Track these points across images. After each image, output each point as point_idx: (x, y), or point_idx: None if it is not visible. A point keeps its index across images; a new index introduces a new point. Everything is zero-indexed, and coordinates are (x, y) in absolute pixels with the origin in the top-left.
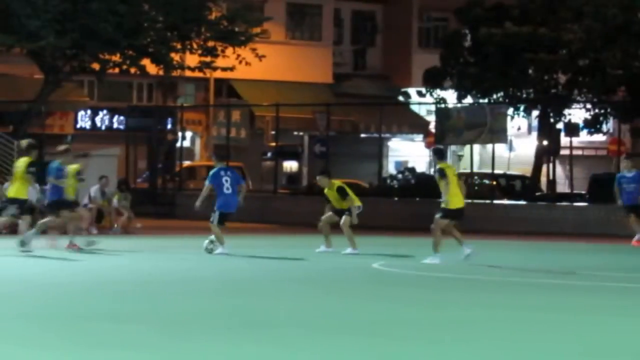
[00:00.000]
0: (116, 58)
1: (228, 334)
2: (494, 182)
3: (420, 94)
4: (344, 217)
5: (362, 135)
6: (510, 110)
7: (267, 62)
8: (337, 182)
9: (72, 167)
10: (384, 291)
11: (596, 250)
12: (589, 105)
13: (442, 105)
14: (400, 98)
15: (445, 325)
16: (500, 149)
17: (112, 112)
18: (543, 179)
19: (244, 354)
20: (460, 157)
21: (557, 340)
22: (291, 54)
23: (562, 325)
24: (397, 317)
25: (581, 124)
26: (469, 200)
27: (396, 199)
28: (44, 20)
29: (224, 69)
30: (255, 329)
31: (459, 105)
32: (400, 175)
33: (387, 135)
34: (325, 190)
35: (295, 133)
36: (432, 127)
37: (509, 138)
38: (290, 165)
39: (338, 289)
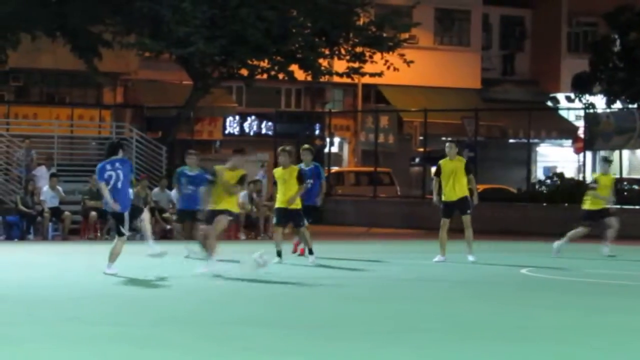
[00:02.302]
0: (264, 64)
1: (382, 339)
2: None
3: (569, 99)
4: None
5: (511, 141)
6: None
7: (415, 67)
8: None
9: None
10: (533, 297)
11: None
12: None
13: (591, 111)
14: (549, 103)
15: (601, 331)
16: None
17: (261, 117)
18: None
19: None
20: (609, 162)
21: None
22: (439, 60)
23: None
24: (546, 322)
25: None
26: (618, 206)
27: (545, 204)
28: (193, 26)
29: (372, 75)
30: (405, 333)
31: (608, 110)
32: (548, 181)
33: (536, 140)
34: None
35: (443, 138)
36: (580, 133)
37: None
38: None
39: (485, 294)
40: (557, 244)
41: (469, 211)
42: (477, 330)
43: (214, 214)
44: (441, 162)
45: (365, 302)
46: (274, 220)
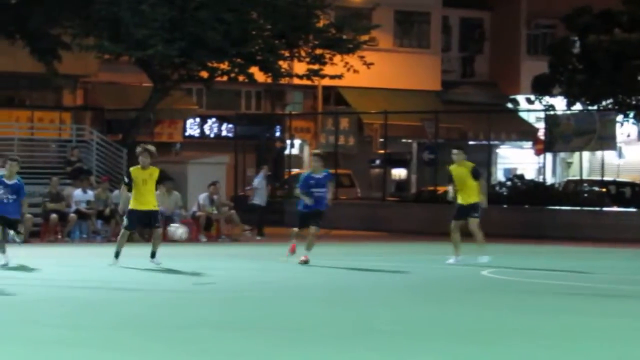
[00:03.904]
0: (224, 66)
1: (337, 342)
2: (604, 190)
3: (528, 101)
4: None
5: (471, 143)
6: (620, 117)
7: (375, 69)
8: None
9: None
10: (493, 299)
11: None
12: None
13: (551, 112)
14: (509, 105)
15: (559, 333)
16: (610, 156)
17: (221, 120)
18: None
19: None
20: (569, 164)
21: None
22: (399, 62)
23: None
24: (505, 325)
25: None
26: (578, 208)
27: (505, 206)
28: (152, 28)
29: (332, 77)
30: (365, 336)
31: (567, 112)
32: (509, 183)
33: (496, 142)
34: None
35: (404, 140)
36: (541, 134)
37: (618, 145)
38: (399, 173)
39: (447, 297)
40: None
41: (475, 214)
42: (438, 333)
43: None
44: (450, 167)
45: (324, 306)
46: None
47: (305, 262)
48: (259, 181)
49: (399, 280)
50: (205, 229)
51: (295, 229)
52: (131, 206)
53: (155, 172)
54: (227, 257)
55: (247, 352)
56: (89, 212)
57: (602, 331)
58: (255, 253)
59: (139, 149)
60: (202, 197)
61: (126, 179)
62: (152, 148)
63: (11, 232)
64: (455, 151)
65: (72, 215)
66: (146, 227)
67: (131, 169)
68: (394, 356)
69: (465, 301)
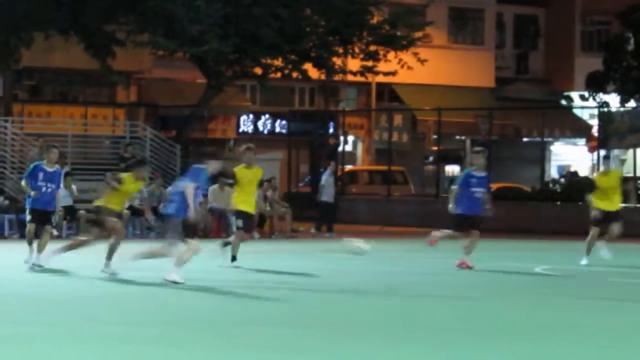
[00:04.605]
0: (278, 62)
1: (388, 337)
2: None
3: (582, 97)
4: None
5: (524, 140)
6: None
7: (429, 66)
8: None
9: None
10: (546, 296)
11: None
12: None
13: (605, 109)
14: (563, 102)
15: (610, 331)
16: None
17: (274, 116)
18: None
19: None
20: (623, 161)
21: None
22: (453, 58)
23: None
24: (560, 322)
25: None
26: (632, 205)
27: (558, 203)
28: (207, 25)
29: (386, 74)
30: (417, 332)
31: (622, 109)
32: (562, 180)
33: (549, 139)
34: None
35: (457, 137)
36: (594, 131)
37: None
38: (452, 170)
39: (500, 293)
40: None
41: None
42: (490, 329)
43: None
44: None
45: (379, 300)
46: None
47: (469, 268)
48: (325, 178)
49: (453, 276)
50: (258, 226)
51: (450, 231)
52: (241, 207)
53: (259, 172)
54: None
55: (303, 349)
56: (142, 208)
57: None
58: (311, 249)
59: (242, 147)
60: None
61: (230, 180)
62: (252, 145)
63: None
64: (478, 150)
65: (126, 211)
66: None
67: (236, 168)
68: (445, 353)
69: (520, 298)
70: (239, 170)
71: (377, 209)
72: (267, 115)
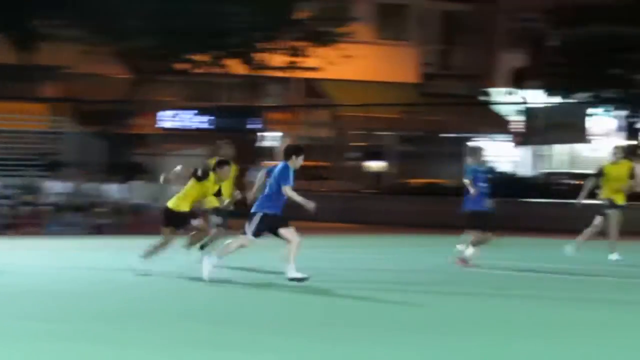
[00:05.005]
0: (203, 58)
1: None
2: (579, 182)
3: (507, 93)
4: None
5: (448, 135)
6: (597, 110)
7: (354, 62)
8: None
9: None
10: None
11: None
12: None
13: (528, 106)
14: (487, 98)
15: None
16: (586, 148)
17: (199, 112)
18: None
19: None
20: (545, 157)
21: None
22: (379, 54)
23: None
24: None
25: None
26: (554, 200)
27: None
28: (133, 20)
29: (311, 69)
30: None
31: (545, 105)
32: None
33: (473, 134)
34: None
35: (381, 133)
36: (518, 127)
37: (595, 137)
38: (377, 165)
39: (414, 285)
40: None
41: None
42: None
43: None
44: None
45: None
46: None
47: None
48: (260, 176)
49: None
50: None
51: (477, 233)
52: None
53: (235, 168)
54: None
55: (225, 344)
56: (66, 204)
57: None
58: None
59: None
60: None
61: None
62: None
63: None
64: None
65: (48, 207)
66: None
67: None
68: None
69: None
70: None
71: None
72: (191, 111)
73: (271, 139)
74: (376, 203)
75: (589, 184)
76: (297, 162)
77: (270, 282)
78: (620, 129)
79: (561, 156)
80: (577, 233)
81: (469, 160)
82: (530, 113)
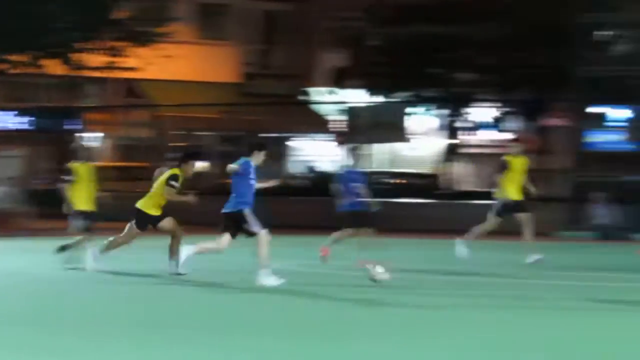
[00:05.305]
0: (20, 58)
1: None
2: (399, 181)
3: (327, 93)
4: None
5: (269, 135)
6: (417, 109)
7: (175, 62)
8: None
9: None
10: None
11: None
12: (492, 104)
13: (349, 105)
14: (307, 97)
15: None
16: (406, 147)
17: (19, 112)
18: (449, 178)
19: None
20: (366, 155)
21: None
22: (200, 54)
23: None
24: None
25: (484, 122)
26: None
27: (301, 198)
28: None
29: (130, 69)
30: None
31: (365, 104)
32: (303, 175)
33: (294, 134)
34: None
35: (202, 133)
36: (340, 126)
37: (415, 137)
38: (198, 165)
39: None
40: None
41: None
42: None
43: None
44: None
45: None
46: None
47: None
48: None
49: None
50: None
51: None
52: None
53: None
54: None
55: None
56: None
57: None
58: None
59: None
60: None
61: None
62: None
63: None
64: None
65: None
66: None
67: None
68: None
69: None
70: (80, 166)
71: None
72: (11, 112)
73: (91, 139)
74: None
75: (496, 179)
76: (259, 157)
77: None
78: (441, 127)
79: (382, 155)
80: (396, 232)
81: (344, 161)
82: (352, 112)
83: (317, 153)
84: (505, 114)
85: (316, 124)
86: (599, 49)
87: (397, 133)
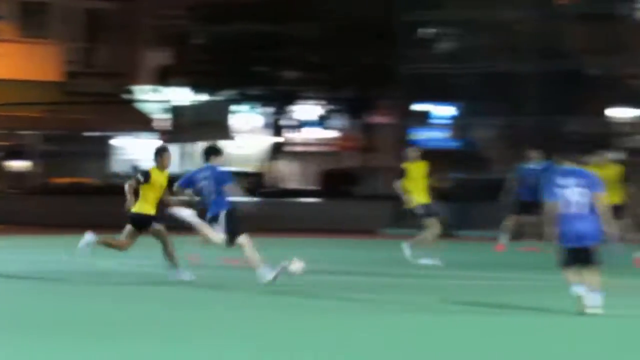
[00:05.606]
0: None
1: None
2: None
3: (151, 91)
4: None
5: (92, 134)
6: (242, 107)
7: None
8: None
9: None
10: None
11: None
12: (317, 102)
13: (174, 103)
14: (130, 96)
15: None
16: (231, 145)
17: None
18: (274, 176)
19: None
20: (192, 154)
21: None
22: (21, 52)
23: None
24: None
25: (310, 120)
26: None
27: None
28: None
29: None
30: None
31: (190, 102)
32: (123, 173)
33: (117, 133)
34: None
35: (24, 132)
36: (164, 125)
37: (241, 134)
38: (18, 165)
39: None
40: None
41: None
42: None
43: None
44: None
45: None
46: None
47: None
48: None
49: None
50: None
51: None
52: None
53: None
54: None
55: None
56: None
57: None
58: None
59: None
60: None
61: None
62: None
63: None
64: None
65: None
66: None
67: None
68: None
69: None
70: None
71: None
72: None
73: None
74: (19, 203)
75: (397, 186)
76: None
77: None
78: (266, 125)
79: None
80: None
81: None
82: (176, 111)
83: (142, 151)
84: (330, 112)
85: (140, 123)
86: (423, 47)
87: (221, 131)
